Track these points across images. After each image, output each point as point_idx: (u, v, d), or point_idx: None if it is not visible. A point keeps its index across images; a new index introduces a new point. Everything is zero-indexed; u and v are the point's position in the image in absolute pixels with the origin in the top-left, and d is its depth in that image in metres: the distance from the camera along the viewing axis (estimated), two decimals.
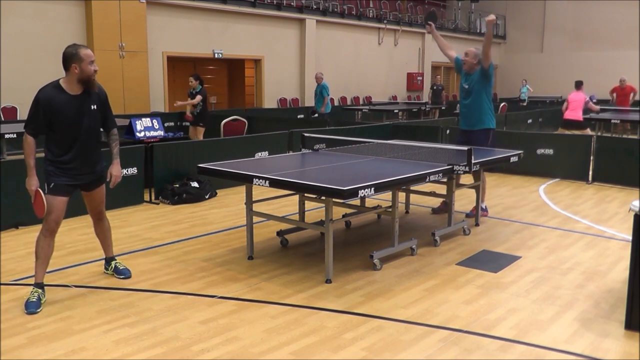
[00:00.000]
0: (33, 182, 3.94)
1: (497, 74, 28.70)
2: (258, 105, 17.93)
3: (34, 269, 4.10)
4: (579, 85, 13.11)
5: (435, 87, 18.84)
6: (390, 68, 22.44)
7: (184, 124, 13.30)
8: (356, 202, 5.84)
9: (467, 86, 6.38)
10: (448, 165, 5.20)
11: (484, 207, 6.57)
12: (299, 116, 15.10)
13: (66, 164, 4.04)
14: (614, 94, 16.28)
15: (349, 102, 20.23)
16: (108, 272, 4.66)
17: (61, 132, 4.00)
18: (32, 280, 4.51)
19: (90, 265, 4.91)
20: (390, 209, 5.13)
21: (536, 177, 8.96)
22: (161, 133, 8.53)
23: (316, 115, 13.23)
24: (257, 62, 17.90)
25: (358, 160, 5.74)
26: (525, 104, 20.77)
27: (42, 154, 4.11)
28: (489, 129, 6.40)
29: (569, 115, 12.39)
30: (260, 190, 5.12)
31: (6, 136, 8.49)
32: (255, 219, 5.28)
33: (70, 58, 3.94)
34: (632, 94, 16.19)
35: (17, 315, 3.86)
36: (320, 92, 13.14)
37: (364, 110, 16.64)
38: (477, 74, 6.36)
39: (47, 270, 4.72)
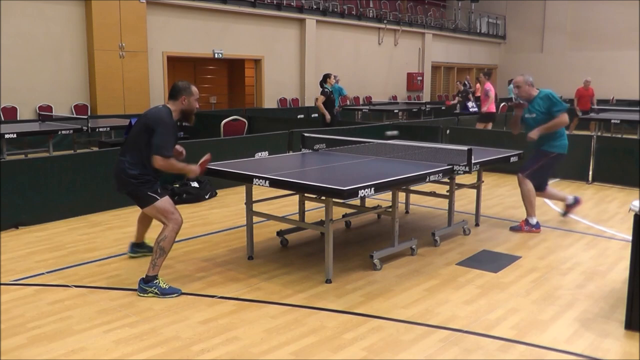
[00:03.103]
0: (192, 167, 4.44)
1: (496, 74, 28.72)
2: (258, 105, 17.93)
3: (154, 262, 4.23)
4: (490, 75, 13.18)
5: (463, 93, 16.45)
6: (390, 68, 22.44)
7: (184, 123, 13.28)
8: (356, 202, 5.83)
9: (533, 116, 5.97)
10: (448, 165, 5.20)
11: (530, 222, 6.06)
12: (299, 116, 15.11)
13: (156, 176, 4.36)
14: (577, 97, 15.74)
15: (349, 102, 20.23)
16: (138, 255, 5.05)
17: None
18: (32, 280, 4.53)
19: (90, 265, 4.91)
20: (390, 209, 5.13)
21: None
22: None
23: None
24: (257, 62, 17.90)
25: (358, 160, 5.74)
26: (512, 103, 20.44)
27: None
28: (548, 152, 5.97)
29: (492, 108, 12.53)
30: (260, 190, 5.12)
31: (6, 136, 8.48)
32: (255, 219, 5.28)
33: (182, 90, 4.35)
34: (593, 97, 15.91)
35: (17, 315, 3.86)
36: (340, 92, 12.77)
37: (364, 110, 16.62)
38: (539, 102, 5.93)
39: (48, 270, 4.75)
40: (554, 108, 5.84)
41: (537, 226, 6.06)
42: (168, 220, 4.29)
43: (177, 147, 4.63)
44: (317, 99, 11.72)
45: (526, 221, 6.08)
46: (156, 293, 4.18)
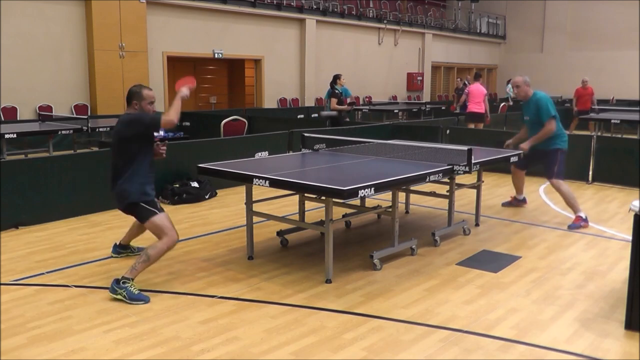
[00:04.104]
0: (182, 94, 4.37)
1: (497, 74, 28.71)
2: (258, 105, 17.93)
3: (135, 266, 4.20)
4: (478, 77, 13.29)
5: (459, 92, 17.24)
6: (390, 68, 22.43)
7: (184, 123, 13.31)
8: (356, 202, 5.83)
9: (527, 118, 6.44)
10: (448, 165, 5.20)
11: (582, 216, 6.25)
12: (299, 116, 15.10)
13: (151, 181, 4.39)
14: (576, 97, 15.66)
15: (350, 100, 20.21)
16: (121, 255, 5.08)
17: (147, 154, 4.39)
18: (32, 280, 4.53)
19: (90, 265, 4.91)
20: (390, 209, 5.13)
21: (536, 177, 8.94)
22: (161, 133, 8.51)
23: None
24: (257, 62, 17.90)
25: (358, 160, 5.74)
26: (511, 102, 20.37)
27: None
28: (557, 150, 6.32)
29: (474, 108, 12.57)
30: (260, 190, 5.11)
31: (6, 136, 8.49)
32: (255, 219, 5.28)
33: (133, 95, 4.32)
34: (593, 97, 15.85)
35: (17, 315, 3.86)
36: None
37: (364, 110, 16.63)
38: (531, 105, 6.38)
39: (48, 270, 4.75)
40: (540, 115, 6.27)
41: (586, 220, 6.26)
42: (165, 236, 4.26)
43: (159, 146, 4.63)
44: (328, 101, 11.69)
45: (580, 217, 6.22)
46: (124, 296, 4.10)
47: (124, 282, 4.14)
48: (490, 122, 13.02)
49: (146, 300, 4.11)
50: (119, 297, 4.11)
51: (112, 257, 5.10)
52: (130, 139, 4.25)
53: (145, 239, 5.06)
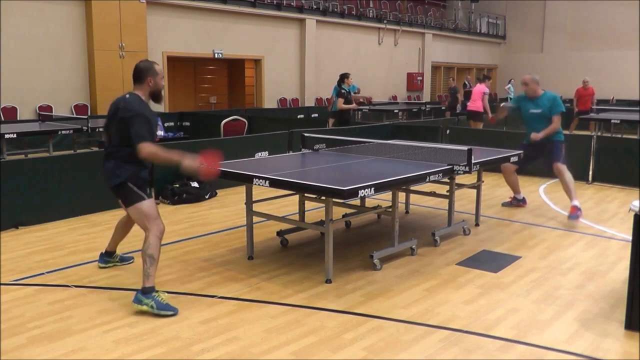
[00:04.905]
0: (187, 160, 3.96)
1: (497, 74, 28.71)
2: (258, 105, 17.93)
3: (147, 272, 3.91)
4: (482, 79, 13.49)
5: (451, 91, 17.92)
6: (390, 68, 22.44)
7: (183, 123, 13.31)
8: (356, 202, 5.83)
9: (539, 111, 6.63)
10: (448, 165, 5.20)
11: (577, 205, 6.47)
12: (299, 116, 15.11)
13: (144, 168, 4.15)
14: (576, 97, 15.59)
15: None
16: (108, 265, 4.79)
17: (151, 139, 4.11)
18: (32, 280, 4.53)
19: (90, 265, 4.90)
20: (390, 209, 5.13)
21: (536, 177, 8.95)
22: (161, 133, 8.54)
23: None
24: (257, 62, 17.90)
25: (358, 160, 5.74)
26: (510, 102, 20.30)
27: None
28: (559, 141, 6.70)
29: (471, 106, 12.76)
30: (261, 190, 5.11)
31: (6, 136, 8.49)
32: (255, 219, 5.28)
33: (145, 71, 4.10)
34: (593, 97, 15.78)
35: (17, 315, 3.86)
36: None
37: (364, 110, 16.63)
38: (545, 101, 6.61)
39: (48, 270, 4.75)
40: (554, 109, 6.56)
41: (580, 209, 6.46)
42: (150, 224, 3.99)
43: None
44: (331, 100, 11.66)
45: (575, 207, 6.39)
46: (152, 307, 3.86)
47: (150, 292, 3.90)
48: (495, 120, 13.05)
49: (175, 312, 3.88)
50: (144, 308, 3.86)
51: (99, 267, 4.81)
52: (128, 127, 3.97)
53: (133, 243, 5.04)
